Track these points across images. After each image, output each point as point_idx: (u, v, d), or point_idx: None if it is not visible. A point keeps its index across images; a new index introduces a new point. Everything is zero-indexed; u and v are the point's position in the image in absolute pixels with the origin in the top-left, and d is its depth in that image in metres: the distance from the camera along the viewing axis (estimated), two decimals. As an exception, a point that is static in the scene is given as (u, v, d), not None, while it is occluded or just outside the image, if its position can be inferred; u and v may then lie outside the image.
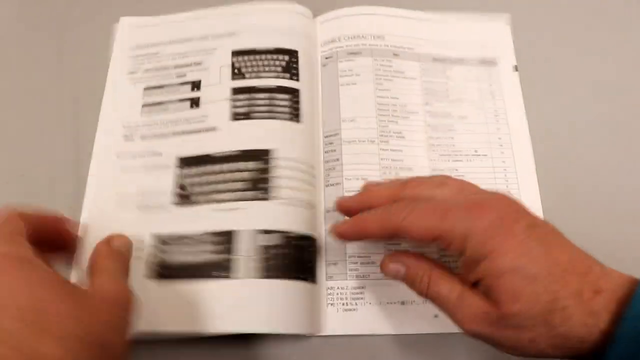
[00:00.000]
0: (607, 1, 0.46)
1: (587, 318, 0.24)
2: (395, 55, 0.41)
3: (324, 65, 0.41)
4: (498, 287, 0.25)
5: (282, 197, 0.35)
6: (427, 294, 0.28)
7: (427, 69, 0.41)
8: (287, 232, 0.34)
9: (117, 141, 0.38)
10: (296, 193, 0.35)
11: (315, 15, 0.42)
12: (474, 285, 0.27)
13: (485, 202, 0.26)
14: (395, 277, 0.30)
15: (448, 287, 0.27)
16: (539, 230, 0.26)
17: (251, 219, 0.34)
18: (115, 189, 0.36)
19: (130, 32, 0.42)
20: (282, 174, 0.35)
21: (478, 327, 0.26)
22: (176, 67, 0.40)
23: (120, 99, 0.40)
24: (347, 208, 0.32)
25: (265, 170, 0.35)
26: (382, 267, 0.30)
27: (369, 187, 0.32)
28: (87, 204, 0.36)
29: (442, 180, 0.29)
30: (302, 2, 0.42)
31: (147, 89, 0.40)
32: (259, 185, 0.35)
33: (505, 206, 0.27)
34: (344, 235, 0.30)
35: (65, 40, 0.44)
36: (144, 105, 0.39)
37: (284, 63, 0.39)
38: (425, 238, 0.27)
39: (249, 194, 0.35)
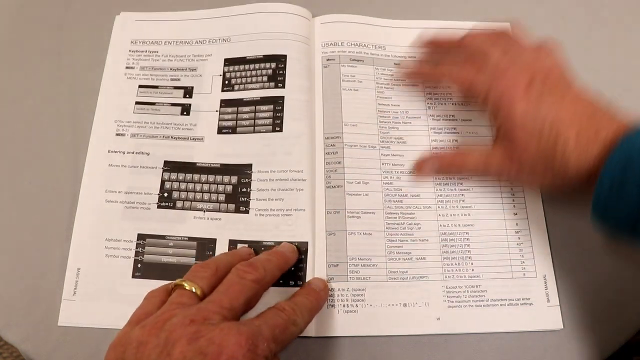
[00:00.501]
0: (605, 4, 0.45)
1: (582, 157, 0.29)
2: (397, 64, 0.41)
3: (325, 66, 0.41)
4: (511, 137, 0.32)
5: (262, 209, 0.36)
6: (461, 173, 0.38)
7: (429, 75, 0.41)
8: (264, 243, 0.35)
9: (109, 137, 0.38)
10: (278, 203, 0.36)
11: (314, 14, 0.43)
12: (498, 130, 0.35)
13: (511, 68, 0.33)
14: (431, 173, 0.38)
15: (474, 163, 0.36)
16: (552, 92, 0.32)
17: (232, 230, 0.36)
18: (105, 185, 0.37)
19: (130, 26, 0.42)
20: (262, 187, 0.37)
21: (504, 177, 0.37)
22: (172, 69, 0.41)
23: (115, 93, 0.40)
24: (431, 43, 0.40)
25: (245, 185, 0.37)
26: (418, 168, 0.38)
27: (434, 35, 0.40)
28: (81, 200, 0.37)
29: (495, 40, 0.36)
30: (301, 2, 0.42)
31: (142, 87, 0.40)
32: (240, 199, 0.36)
33: (527, 73, 0.33)
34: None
35: (65, 33, 0.43)
36: (137, 103, 0.40)
37: (270, 71, 0.40)
38: (462, 84, 0.37)
39: (230, 206, 0.36)
